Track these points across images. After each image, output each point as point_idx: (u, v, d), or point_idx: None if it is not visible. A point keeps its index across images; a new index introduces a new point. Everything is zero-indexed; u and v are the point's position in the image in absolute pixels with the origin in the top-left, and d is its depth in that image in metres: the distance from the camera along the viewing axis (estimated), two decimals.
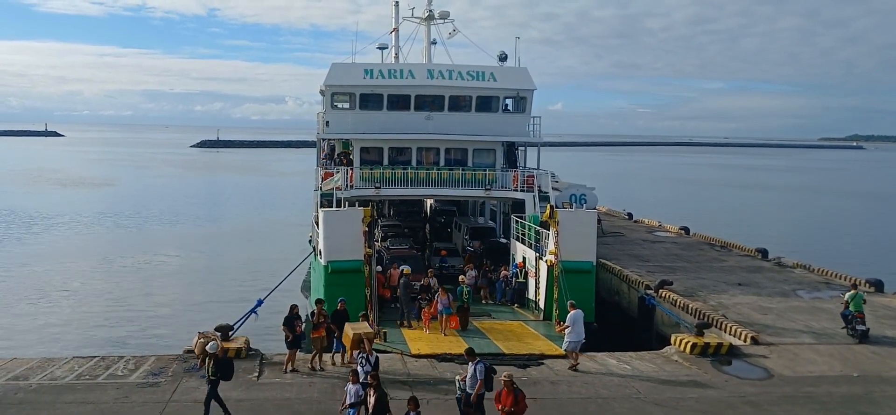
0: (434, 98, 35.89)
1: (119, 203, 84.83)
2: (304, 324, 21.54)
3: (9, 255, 51.12)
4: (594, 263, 27.75)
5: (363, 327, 19.74)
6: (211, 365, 16.73)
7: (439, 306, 24.66)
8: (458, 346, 22.93)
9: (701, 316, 25.26)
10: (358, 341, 18.79)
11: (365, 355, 17.37)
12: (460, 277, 28.52)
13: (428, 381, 19.81)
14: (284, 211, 79.37)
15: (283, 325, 20.63)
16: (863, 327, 23.68)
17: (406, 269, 27.57)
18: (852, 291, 24.81)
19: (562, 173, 49.70)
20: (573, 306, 22.11)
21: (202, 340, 18.14)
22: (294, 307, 21.07)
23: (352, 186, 33.13)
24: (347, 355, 20.42)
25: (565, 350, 21.70)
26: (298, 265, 30.78)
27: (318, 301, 22.93)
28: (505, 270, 31.02)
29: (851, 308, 24.15)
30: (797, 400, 18.78)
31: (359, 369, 16.97)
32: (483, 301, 29.77)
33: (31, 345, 30.04)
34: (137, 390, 18.50)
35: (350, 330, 19.58)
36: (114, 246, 56.31)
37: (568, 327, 21.59)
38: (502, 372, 15.85)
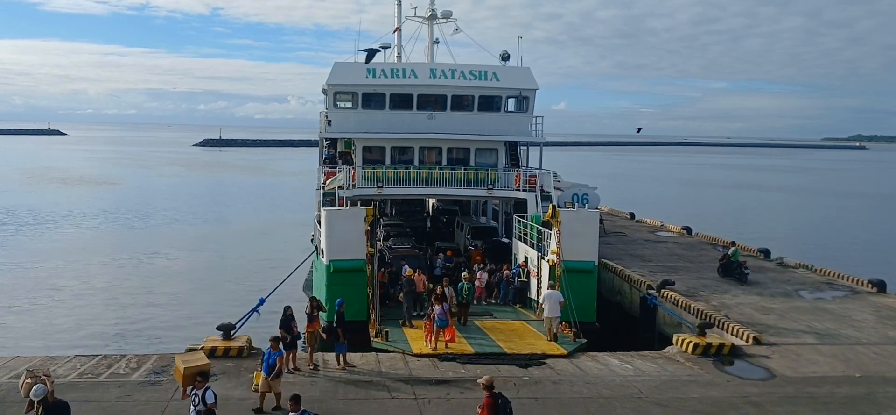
0: (436, 97, 35.90)
1: (122, 202, 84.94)
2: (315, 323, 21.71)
3: (11, 253, 51.21)
4: (596, 263, 27.74)
5: (196, 361, 16.46)
6: (40, 411, 13.47)
7: (435, 318, 22.88)
8: (460, 346, 22.95)
9: (703, 316, 25.25)
10: (191, 378, 15.44)
11: (197, 393, 14.67)
12: (463, 275, 28.61)
13: (429, 381, 19.80)
14: (287, 210, 79.44)
15: (280, 327, 20.66)
16: (747, 271, 31.67)
17: (409, 270, 27.56)
18: (733, 248, 33.68)
19: (564, 173, 49.69)
20: (550, 287, 25.37)
21: (29, 380, 14.28)
22: (288, 309, 21.11)
23: (354, 186, 33.14)
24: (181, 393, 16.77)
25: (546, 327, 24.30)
26: (300, 264, 30.81)
27: (312, 298, 22.95)
28: (507, 269, 31.02)
29: (732, 259, 32.32)
30: (799, 401, 18.74)
31: (192, 408, 14.72)
32: (492, 301, 29.75)
33: (34, 343, 30.11)
34: (139, 389, 18.53)
35: (181, 364, 16.20)
36: (116, 245, 56.39)
37: (542, 303, 24.63)
38: (482, 376, 15.31)
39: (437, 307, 22.79)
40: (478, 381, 14.98)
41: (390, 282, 29.29)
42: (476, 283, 29.85)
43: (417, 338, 23.85)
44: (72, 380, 19.01)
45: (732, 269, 31.99)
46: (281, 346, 18.20)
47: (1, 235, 58.80)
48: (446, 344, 22.79)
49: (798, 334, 24.15)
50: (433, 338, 22.82)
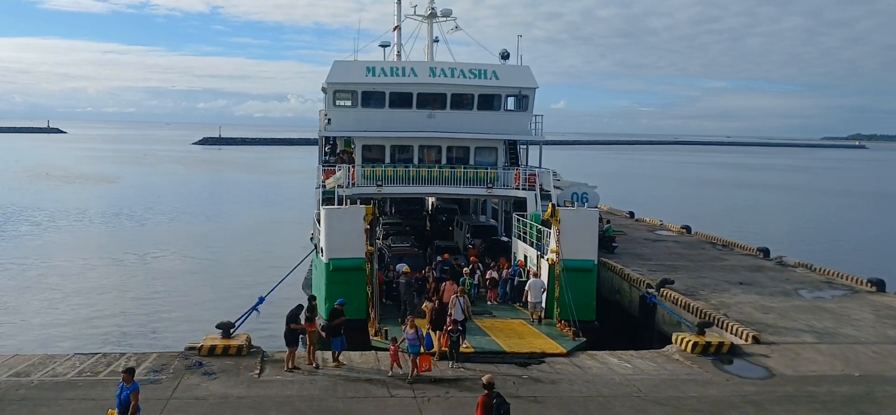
0: (436, 96, 35.90)
1: (121, 200, 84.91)
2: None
3: (11, 251, 51.19)
4: (595, 262, 27.75)
5: None
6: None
7: (407, 341, 19.97)
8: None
9: (702, 315, 25.24)
10: None
11: None
12: (465, 269, 28.67)
13: (428, 379, 19.77)
14: (286, 209, 79.43)
15: (287, 322, 20.69)
16: (615, 245, 36.97)
17: (406, 268, 27.55)
18: (607, 225, 38.73)
19: (564, 172, 49.61)
20: (534, 274, 27.56)
21: None
22: (300, 307, 21.20)
23: (353, 184, 33.13)
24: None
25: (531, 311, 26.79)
26: (300, 263, 30.77)
27: (311, 297, 22.98)
28: (506, 266, 30.99)
29: (606, 234, 36.89)
30: (798, 400, 18.74)
31: None
32: (491, 301, 29.75)
33: (33, 341, 30.11)
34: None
35: None
36: (115, 243, 56.38)
37: (528, 290, 26.75)
38: (483, 375, 15.29)
39: (409, 331, 19.95)
40: (482, 378, 14.99)
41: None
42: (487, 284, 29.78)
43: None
44: (71, 378, 19.01)
45: (604, 242, 35.75)
46: (133, 378, 14.89)
47: (0, 233, 58.77)
48: (419, 373, 19.71)
49: (797, 333, 24.15)
50: (397, 364, 20.05)
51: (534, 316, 26.40)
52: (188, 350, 21.31)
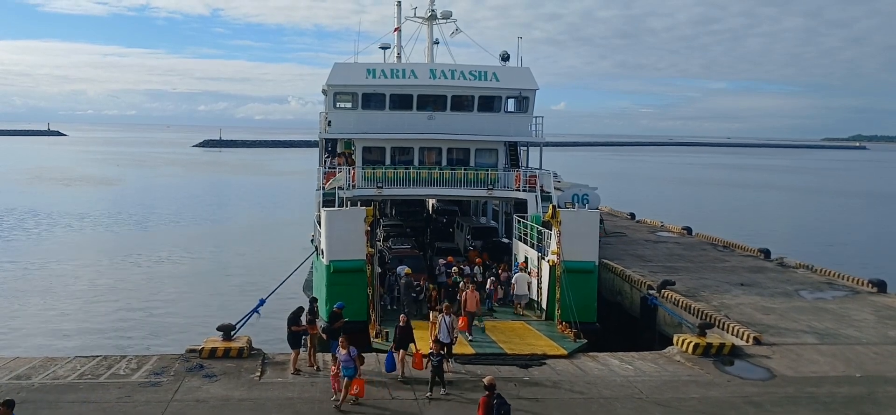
0: (436, 98, 35.91)
1: (122, 202, 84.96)
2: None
3: (11, 253, 51.19)
4: (596, 264, 27.74)
5: None
6: None
7: (340, 365, 17.93)
8: (461, 346, 22.84)
9: (703, 316, 25.22)
10: None
11: None
12: (454, 270, 28.69)
13: (428, 379, 19.74)
14: (286, 211, 79.44)
15: (288, 324, 20.71)
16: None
17: (407, 270, 27.55)
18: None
19: (565, 173, 49.70)
20: (521, 269, 29.16)
21: None
22: (302, 308, 21.28)
23: (354, 186, 33.14)
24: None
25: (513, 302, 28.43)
26: (300, 265, 30.79)
27: (313, 299, 22.98)
28: (503, 269, 30.97)
29: None
30: (799, 401, 18.74)
31: None
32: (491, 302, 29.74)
33: (34, 344, 30.12)
34: (140, 390, 18.51)
35: None
36: (116, 245, 56.38)
37: (514, 283, 28.28)
38: (484, 376, 15.35)
39: (342, 352, 17.85)
40: (483, 379, 15.01)
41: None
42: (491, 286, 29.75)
43: (419, 339, 23.77)
44: (72, 381, 19.01)
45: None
46: (13, 411, 13.42)
47: (1, 236, 58.79)
48: (354, 399, 17.86)
49: (798, 334, 24.14)
50: (338, 386, 17.99)
51: (519, 309, 27.96)
52: (189, 353, 21.29)
